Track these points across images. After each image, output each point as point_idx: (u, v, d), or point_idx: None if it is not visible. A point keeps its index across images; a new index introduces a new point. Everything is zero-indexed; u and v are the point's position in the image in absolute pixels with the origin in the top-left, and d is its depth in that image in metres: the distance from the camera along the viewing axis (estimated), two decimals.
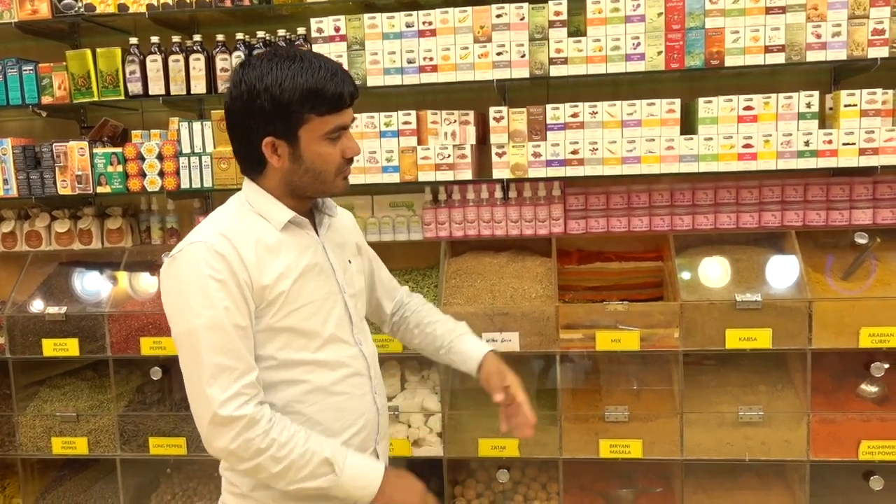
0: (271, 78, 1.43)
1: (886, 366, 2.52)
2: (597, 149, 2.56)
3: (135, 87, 2.80)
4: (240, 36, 2.77)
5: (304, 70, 1.44)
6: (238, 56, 2.74)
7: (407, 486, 1.59)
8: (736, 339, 2.53)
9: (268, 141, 1.48)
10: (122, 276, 2.96)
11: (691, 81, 2.84)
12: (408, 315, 1.93)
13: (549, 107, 2.58)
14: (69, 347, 2.86)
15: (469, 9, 2.57)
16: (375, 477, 1.53)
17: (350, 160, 1.54)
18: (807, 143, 2.47)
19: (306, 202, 1.60)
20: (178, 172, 2.80)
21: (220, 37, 2.80)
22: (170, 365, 2.88)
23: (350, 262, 1.69)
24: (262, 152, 1.49)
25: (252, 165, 1.54)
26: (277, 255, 1.51)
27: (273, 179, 1.54)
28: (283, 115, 1.45)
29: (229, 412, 1.41)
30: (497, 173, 2.64)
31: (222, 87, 2.79)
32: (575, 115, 2.57)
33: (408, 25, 2.61)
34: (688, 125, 2.60)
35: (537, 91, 2.91)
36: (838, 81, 2.73)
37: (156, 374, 2.83)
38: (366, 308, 1.80)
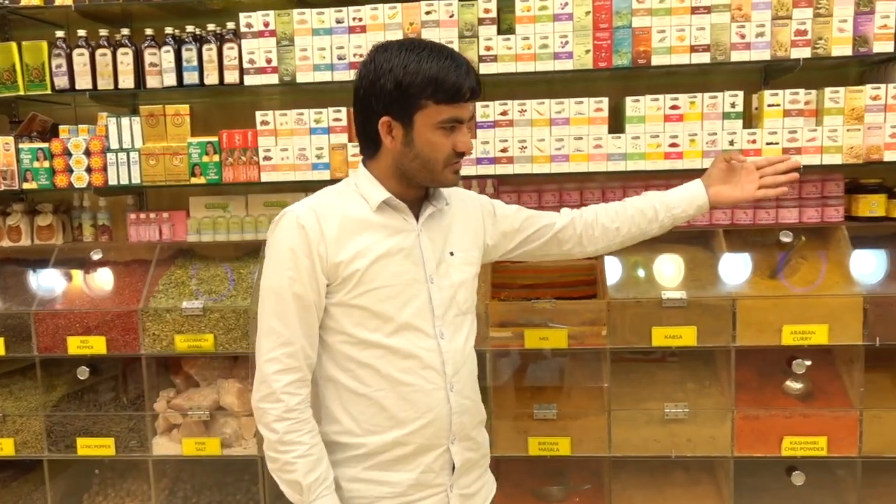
0: (398, 60, 1.51)
1: (808, 363, 2.56)
2: (526, 147, 2.57)
3: (61, 82, 2.75)
4: (169, 30, 2.73)
5: (430, 58, 1.51)
6: (167, 51, 2.70)
7: None
8: (662, 336, 2.55)
9: (384, 120, 1.54)
10: (52, 273, 2.91)
11: (625, 80, 2.86)
12: (591, 218, 1.91)
13: (478, 105, 2.58)
14: None
15: (399, 5, 2.56)
16: None
17: (461, 154, 1.57)
18: (731, 143, 2.49)
19: (415, 189, 1.63)
20: (105, 169, 2.76)
21: (148, 31, 2.76)
22: (98, 364, 2.83)
23: (452, 253, 1.69)
24: (377, 132, 1.56)
25: (368, 145, 1.61)
26: (362, 233, 1.57)
27: (384, 161, 1.60)
28: (402, 97, 1.51)
29: (265, 373, 1.56)
30: None
31: (151, 81, 2.75)
32: (504, 114, 2.57)
33: (338, 21, 2.60)
34: (619, 124, 2.62)
35: None
36: (768, 81, 2.76)
37: (83, 373, 2.79)
38: (542, 252, 1.89)
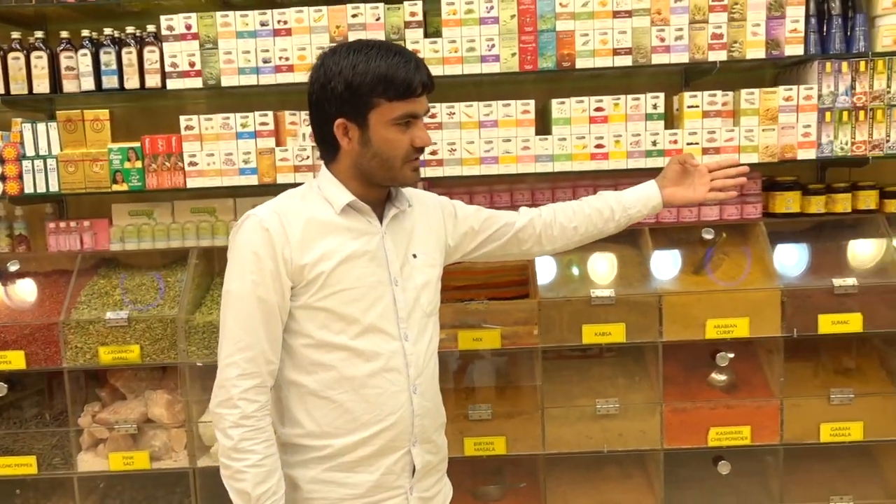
0: (347, 62, 1.53)
1: (731, 355, 2.65)
2: (455, 149, 2.58)
3: None
4: (86, 33, 2.65)
5: (378, 56, 1.52)
6: (84, 54, 2.62)
7: None
8: (592, 334, 2.60)
9: (339, 122, 1.56)
10: None
11: (553, 83, 2.90)
12: (549, 218, 1.93)
13: None
14: None
15: (324, 8, 2.54)
16: None
17: (420, 150, 1.58)
18: (654, 143, 2.56)
19: (376, 190, 1.63)
20: (21, 176, 2.65)
21: (64, 34, 2.67)
22: (16, 379, 2.72)
23: (415, 256, 1.69)
24: (334, 135, 1.57)
25: (327, 148, 1.62)
26: (326, 236, 1.58)
27: (344, 163, 1.60)
28: (353, 98, 1.53)
29: (222, 378, 1.56)
30: None
31: (68, 86, 2.66)
32: (433, 116, 2.58)
33: (262, 24, 2.56)
34: (546, 126, 2.65)
35: None
36: (689, 83, 2.84)
37: (1, 389, 2.67)
38: (501, 252, 1.91)
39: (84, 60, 2.61)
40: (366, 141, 1.56)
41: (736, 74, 2.81)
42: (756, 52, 2.52)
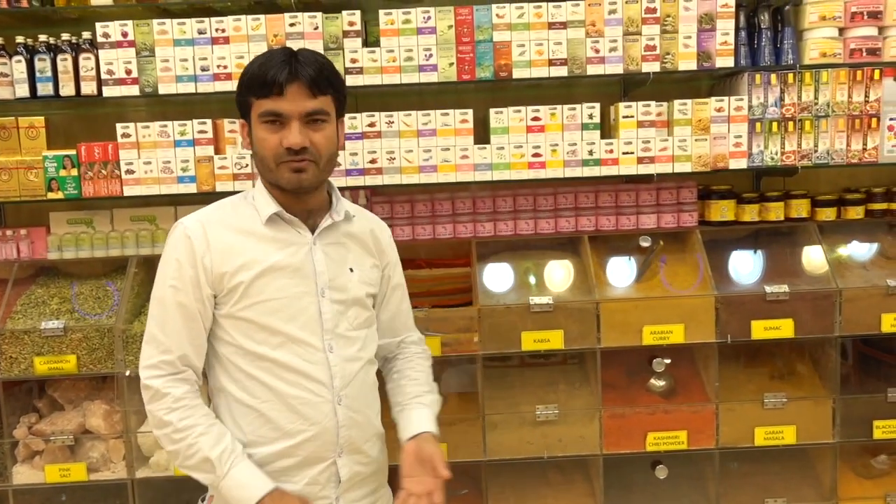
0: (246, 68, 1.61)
1: (668, 361, 2.69)
2: (394, 158, 2.60)
3: None
4: (20, 39, 2.62)
5: (264, 57, 1.58)
6: (19, 60, 2.58)
7: (289, 498, 1.59)
8: (531, 340, 2.62)
9: (240, 122, 1.65)
10: None
11: (494, 92, 2.93)
12: (398, 360, 1.89)
13: (346, 116, 2.58)
14: None
15: (262, 17, 2.54)
16: (255, 493, 1.55)
17: (295, 151, 1.54)
18: (590, 153, 2.60)
19: (300, 199, 1.63)
20: None
21: None
22: None
23: (352, 270, 1.70)
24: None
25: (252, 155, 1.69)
26: (249, 246, 1.60)
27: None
28: (239, 98, 1.61)
29: (143, 378, 1.59)
30: None
31: (2, 92, 2.62)
32: (372, 125, 2.59)
33: (200, 32, 2.55)
34: (487, 135, 2.68)
35: None
36: (627, 93, 2.89)
37: None
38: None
39: (18, 67, 2.58)
40: (252, 141, 1.62)
41: (673, 85, 2.86)
42: (688, 63, 2.57)
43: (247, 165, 2.60)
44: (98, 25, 2.55)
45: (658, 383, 2.76)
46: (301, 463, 1.63)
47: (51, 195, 2.62)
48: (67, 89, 2.60)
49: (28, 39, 2.63)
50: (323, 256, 1.66)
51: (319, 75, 1.56)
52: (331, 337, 1.64)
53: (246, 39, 2.55)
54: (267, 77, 1.52)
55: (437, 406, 1.83)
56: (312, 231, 1.67)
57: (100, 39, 2.56)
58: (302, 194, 1.63)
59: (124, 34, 2.55)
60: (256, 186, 1.68)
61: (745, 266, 2.79)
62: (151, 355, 1.59)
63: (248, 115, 1.60)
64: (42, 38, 2.62)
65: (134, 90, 2.57)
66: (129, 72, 2.56)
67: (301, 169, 1.57)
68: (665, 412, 2.69)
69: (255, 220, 1.63)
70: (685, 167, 2.60)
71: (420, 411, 1.76)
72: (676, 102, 2.58)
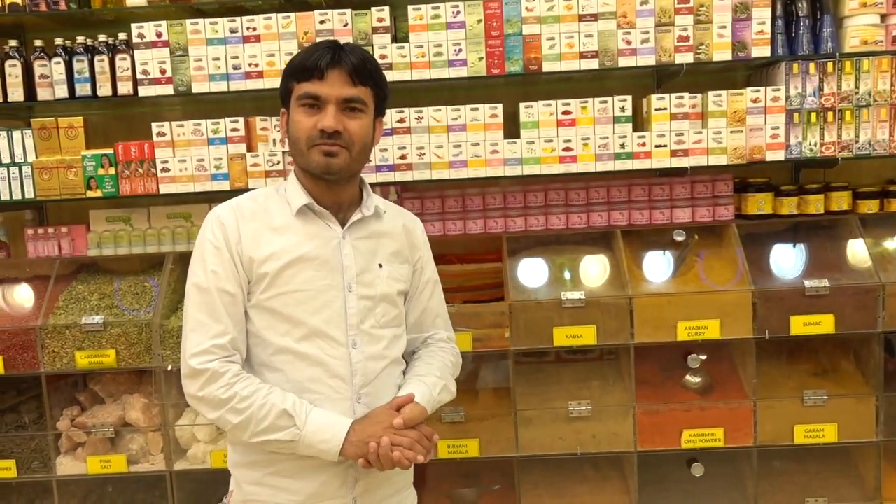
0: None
1: (703, 357, 2.65)
2: (424, 153, 2.59)
3: None
4: (59, 41, 2.68)
5: (307, 47, 1.62)
6: (58, 62, 2.64)
7: (371, 421, 1.58)
8: (563, 336, 2.60)
9: (282, 111, 1.67)
10: None
11: (525, 86, 2.91)
12: (420, 350, 1.86)
13: None
14: None
15: (292, 15, 2.56)
16: (340, 430, 1.54)
17: (328, 135, 1.56)
18: (622, 146, 2.56)
19: (331, 190, 1.64)
20: None
21: (38, 42, 2.70)
22: None
23: (381, 265, 1.69)
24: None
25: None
26: (280, 235, 1.61)
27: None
28: (282, 86, 1.64)
29: (195, 365, 1.55)
30: None
31: (42, 93, 2.69)
32: (402, 121, 2.59)
33: (231, 31, 2.58)
34: (517, 129, 2.66)
35: None
36: (660, 85, 2.84)
37: None
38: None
39: (57, 68, 2.64)
40: (289, 126, 1.63)
41: (707, 76, 2.81)
42: (723, 54, 2.52)
43: (278, 162, 2.62)
44: (133, 26, 2.60)
45: (693, 380, 2.71)
46: (319, 461, 1.60)
47: (90, 193, 2.68)
48: (104, 89, 2.65)
49: (66, 41, 2.69)
50: (351, 251, 1.65)
51: (361, 65, 1.58)
52: (355, 333, 1.63)
53: (277, 37, 2.57)
54: (309, 61, 1.55)
55: (442, 392, 1.75)
56: (343, 225, 1.67)
57: (135, 40, 2.60)
58: (332, 183, 1.63)
59: (158, 34, 2.59)
60: (289, 178, 1.70)
61: (784, 260, 2.72)
62: (201, 341, 1.56)
63: (289, 101, 1.62)
64: (80, 39, 2.68)
65: (168, 89, 2.61)
66: (163, 71, 2.60)
67: (332, 153, 1.57)
68: (701, 409, 2.64)
69: (286, 212, 1.64)
70: (720, 160, 2.55)
71: (415, 386, 1.69)
72: (711, 94, 2.53)
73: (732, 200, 2.74)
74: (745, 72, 2.88)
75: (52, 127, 2.71)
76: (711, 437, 2.62)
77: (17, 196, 2.69)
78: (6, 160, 2.70)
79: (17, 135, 2.69)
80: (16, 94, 2.67)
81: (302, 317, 1.60)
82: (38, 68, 2.66)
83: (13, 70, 2.65)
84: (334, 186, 1.64)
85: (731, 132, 2.53)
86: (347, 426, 1.55)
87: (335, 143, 1.57)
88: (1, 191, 2.69)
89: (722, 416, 2.63)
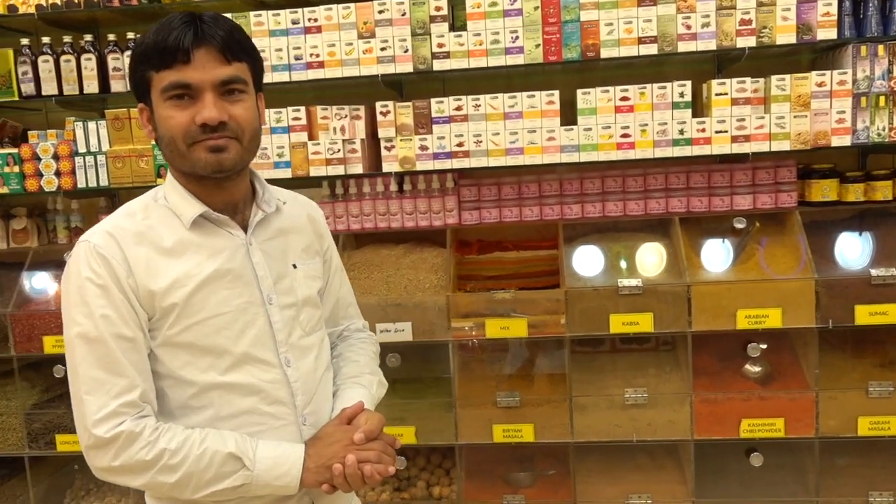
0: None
1: (763, 346, 2.61)
2: (481, 141, 2.62)
3: (28, 88, 2.82)
4: (130, 35, 2.79)
5: (160, 25, 1.30)
6: (129, 55, 2.75)
7: (326, 442, 1.40)
8: (619, 323, 2.60)
9: (140, 107, 1.36)
10: (27, 275, 2.98)
11: (581, 73, 2.90)
12: (339, 346, 1.67)
13: (433, 100, 2.63)
14: None
15: (352, 5, 2.61)
16: (295, 460, 1.35)
17: (211, 128, 1.29)
18: (681, 132, 2.53)
19: (221, 190, 1.37)
20: (74, 172, 2.82)
21: (111, 36, 2.82)
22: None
23: (295, 266, 1.47)
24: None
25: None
26: (178, 257, 1.34)
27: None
28: (134, 76, 1.35)
29: (102, 434, 1.27)
30: (387, 167, 2.69)
31: (115, 86, 2.81)
32: (459, 109, 2.62)
33: (293, 22, 2.65)
34: (574, 116, 2.66)
35: (433, 85, 2.96)
36: (721, 70, 2.80)
37: (59, 371, 2.85)
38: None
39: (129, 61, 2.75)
40: (157, 125, 1.33)
41: (770, 60, 2.75)
42: (787, 37, 2.46)
43: (339, 151, 2.68)
44: None
45: (753, 369, 2.68)
46: (266, 499, 1.39)
47: (160, 181, 2.79)
48: None
49: (138, 35, 2.80)
50: (262, 257, 1.41)
51: (231, 37, 1.30)
52: (286, 349, 1.41)
53: (337, 28, 2.62)
54: (168, 42, 1.25)
55: (378, 388, 1.60)
56: (244, 229, 1.42)
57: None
58: (224, 181, 1.36)
59: None
60: (167, 184, 1.40)
61: (849, 248, 2.65)
62: (104, 403, 1.27)
63: (148, 95, 1.33)
64: None
65: None
66: None
67: (220, 147, 1.30)
68: (760, 398, 2.60)
69: (177, 226, 1.36)
70: (783, 145, 2.50)
71: (355, 390, 1.53)
72: (774, 78, 2.48)
73: (795, 187, 2.68)
74: (809, 55, 2.81)
75: (124, 118, 2.83)
76: (771, 427, 2.59)
77: (93, 184, 2.82)
78: (82, 150, 2.83)
79: (91, 125, 2.82)
80: (91, 86, 2.79)
81: (224, 344, 1.35)
82: (112, 61, 2.78)
83: (88, 63, 2.78)
84: (225, 185, 1.37)
85: (795, 117, 2.48)
86: (302, 453, 1.37)
87: (222, 135, 1.30)
88: (78, 179, 2.83)
89: (782, 407, 2.59)
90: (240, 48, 1.32)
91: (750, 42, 2.48)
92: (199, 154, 1.31)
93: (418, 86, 2.94)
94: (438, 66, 2.59)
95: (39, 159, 2.84)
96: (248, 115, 1.34)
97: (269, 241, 1.44)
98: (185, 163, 1.33)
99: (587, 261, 2.76)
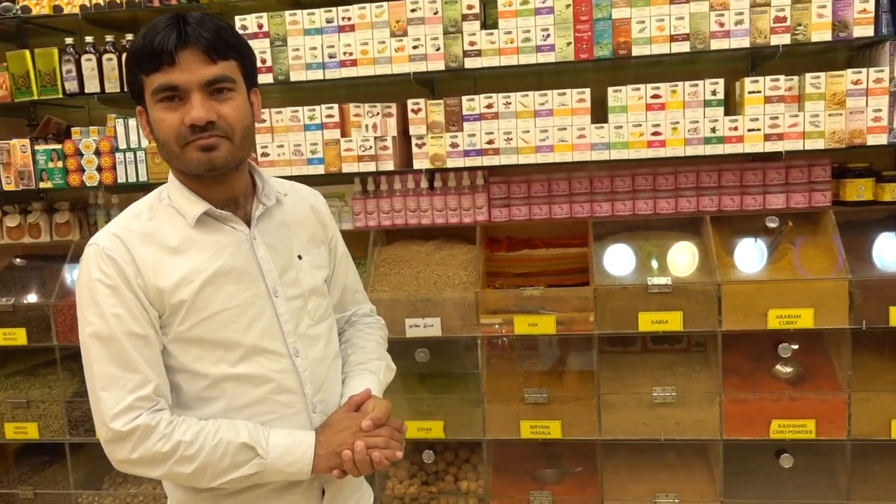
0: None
1: (795, 347, 2.59)
2: (511, 138, 2.63)
3: (71, 86, 2.90)
4: None
5: (147, 28, 1.33)
6: None
7: (335, 429, 1.45)
8: (648, 321, 2.59)
9: (138, 110, 1.40)
10: (68, 268, 3.08)
11: (613, 71, 2.90)
12: (347, 332, 1.71)
13: (464, 98, 2.65)
14: (17, 337, 2.98)
15: (385, 4, 2.64)
16: (307, 447, 1.41)
17: (193, 128, 1.32)
18: (713, 130, 2.52)
19: (216, 185, 1.41)
20: (114, 167, 2.91)
21: None
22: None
23: (300, 257, 1.52)
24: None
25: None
26: (183, 255, 1.39)
27: None
28: (129, 80, 1.39)
29: (120, 427, 1.32)
30: (418, 164, 2.72)
31: None
32: (489, 106, 2.64)
33: (328, 21, 2.69)
34: (605, 114, 2.66)
35: (464, 82, 2.98)
36: (755, 68, 2.77)
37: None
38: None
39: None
40: (152, 126, 1.38)
41: (804, 58, 2.72)
42: (822, 34, 2.43)
43: (370, 148, 2.72)
44: (237, 18, 2.74)
45: (784, 369, 2.65)
46: (280, 487, 1.45)
47: None
48: None
49: None
50: (266, 250, 1.46)
51: (216, 37, 1.33)
52: (294, 339, 1.46)
53: (370, 26, 2.66)
54: (154, 45, 1.29)
55: (385, 373, 1.65)
56: (248, 223, 1.46)
57: (238, 32, 2.74)
58: (220, 178, 1.40)
59: (259, 26, 2.73)
60: (170, 184, 1.45)
61: (885, 249, 2.61)
62: (120, 398, 1.33)
63: (142, 96, 1.36)
64: None
65: (268, 78, 2.75)
66: (263, 61, 2.74)
67: (210, 146, 1.34)
68: (791, 399, 2.58)
69: (182, 225, 1.40)
70: (817, 144, 2.47)
71: (363, 378, 1.57)
72: (809, 76, 2.46)
73: (830, 186, 2.65)
74: (845, 52, 2.77)
75: None
76: (802, 428, 2.56)
77: (132, 179, 2.90)
78: (122, 146, 2.91)
79: (131, 122, 2.90)
80: None
81: (233, 338, 1.40)
82: None
83: None
84: (223, 180, 1.41)
85: (830, 115, 2.45)
86: (313, 441, 1.42)
87: (211, 134, 1.33)
88: (118, 174, 2.91)
89: (814, 408, 2.57)
90: (226, 47, 1.35)
91: (784, 40, 2.46)
92: (191, 154, 1.34)
93: (449, 83, 2.97)
94: (470, 63, 2.61)
95: (82, 155, 2.93)
96: (238, 114, 1.37)
97: (272, 234, 1.48)
98: (180, 163, 1.37)
99: (616, 259, 2.76)
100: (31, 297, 3.03)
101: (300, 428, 1.45)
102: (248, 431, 1.39)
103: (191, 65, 1.30)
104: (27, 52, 2.93)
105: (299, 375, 1.46)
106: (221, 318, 1.39)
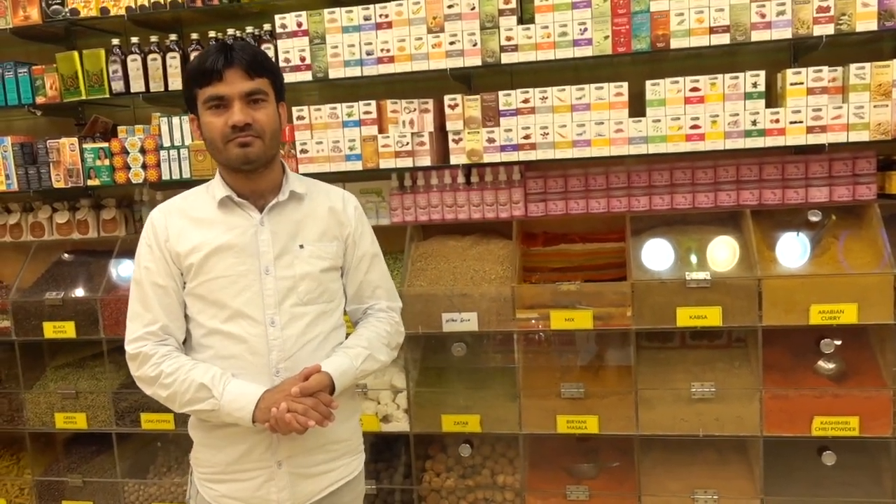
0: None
1: (837, 342, 2.54)
2: (548, 133, 2.63)
3: (117, 86, 2.98)
4: (212, 34, 2.92)
5: (199, 54, 1.74)
6: None
7: (277, 389, 1.72)
8: (686, 317, 2.57)
9: (190, 117, 1.84)
10: (115, 263, 3.16)
11: (651, 64, 2.87)
12: (361, 319, 1.99)
13: (501, 93, 2.66)
14: (67, 330, 3.07)
15: (422, 0, 2.66)
16: (252, 398, 1.69)
17: (240, 128, 1.68)
18: (754, 123, 2.49)
19: (250, 180, 1.76)
20: (159, 165, 2.98)
21: (194, 35, 2.96)
22: None
23: (302, 246, 1.81)
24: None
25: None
26: (202, 228, 1.77)
27: None
28: (185, 93, 1.78)
29: (130, 350, 1.77)
30: (454, 159, 2.74)
31: None
32: (526, 101, 2.64)
33: (365, 19, 2.72)
34: (643, 108, 2.64)
35: (501, 78, 2.98)
36: (797, 59, 2.73)
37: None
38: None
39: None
40: (202, 129, 1.75)
41: (848, 48, 2.66)
42: (867, 24, 2.38)
43: (408, 143, 2.74)
44: (276, 17, 2.79)
45: (827, 365, 2.61)
46: (242, 429, 1.74)
47: None
48: None
49: (218, 34, 2.93)
50: (269, 236, 1.78)
51: (254, 59, 1.70)
52: (274, 311, 1.76)
53: (407, 23, 2.68)
54: (206, 66, 1.67)
55: (366, 361, 1.85)
56: (261, 212, 1.79)
57: (278, 30, 2.79)
58: (250, 173, 1.74)
59: (299, 24, 2.77)
60: (215, 176, 1.83)
61: None
62: (136, 329, 1.76)
63: (196, 107, 1.74)
64: (230, 31, 2.90)
65: (307, 76, 2.79)
66: (303, 59, 2.78)
67: (246, 143, 1.69)
68: (834, 396, 2.54)
69: (210, 205, 1.79)
70: (862, 136, 2.43)
71: (337, 357, 1.82)
72: (853, 67, 2.41)
73: (875, 179, 2.59)
74: (891, 42, 2.71)
75: None
76: (845, 425, 2.52)
77: (176, 176, 2.97)
78: (167, 143, 2.98)
79: (175, 121, 2.97)
80: (175, 83, 2.94)
81: (225, 300, 1.75)
82: None
83: (173, 62, 2.92)
84: (253, 176, 1.76)
85: (875, 107, 2.40)
86: (259, 394, 1.70)
87: (248, 134, 1.69)
88: (162, 171, 2.98)
89: (857, 404, 2.52)
90: (261, 67, 1.72)
91: (828, 30, 2.41)
92: (232, 150, 1.70)
93: (486, 79, 2.97)
94: (506, 59, 2.62)
95: (127, 153, 3.01)
96: (269, 119, 1.73)
97: (280, 224, 1.80)
98: (223, 157, 1.73)
99: (654, 253, 2.74)
100: (80, 292, 3.12)
101: (262, 384, 1.74)
102: (211, 376, 1.71)
103: (234, 80, 1.68)
104: (76, 54, 3.01)
105: (269, 342, 1.76)
106: (219, 282, 1.75)
